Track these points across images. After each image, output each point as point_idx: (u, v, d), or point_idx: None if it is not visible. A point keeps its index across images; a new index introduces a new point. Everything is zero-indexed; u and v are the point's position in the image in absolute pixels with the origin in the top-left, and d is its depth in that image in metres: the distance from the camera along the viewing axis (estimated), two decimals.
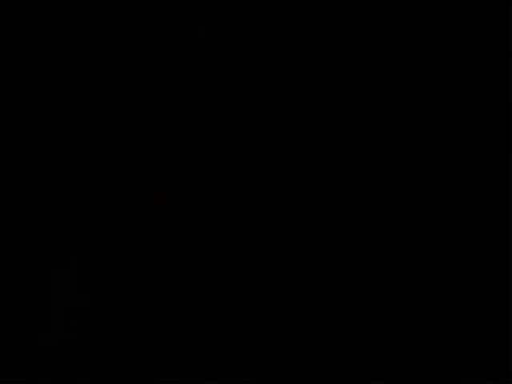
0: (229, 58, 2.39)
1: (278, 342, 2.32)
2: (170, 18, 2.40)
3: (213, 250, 2.35)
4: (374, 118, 2.39)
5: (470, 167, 2.37)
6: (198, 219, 2.37)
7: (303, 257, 2.36)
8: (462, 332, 2.31)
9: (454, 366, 2.29)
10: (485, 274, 2.33)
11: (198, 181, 2.37)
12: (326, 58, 2.40)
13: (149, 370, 2.27)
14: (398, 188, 2.37)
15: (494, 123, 2.37)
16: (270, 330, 2.32)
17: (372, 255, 2.35)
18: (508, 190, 2.34)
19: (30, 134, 2.33)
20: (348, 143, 2.39)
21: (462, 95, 2.38)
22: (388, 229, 2.36)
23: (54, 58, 2.38)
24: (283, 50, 2.40)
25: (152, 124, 2.39)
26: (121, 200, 2.36)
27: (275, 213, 2.37)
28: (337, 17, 2.40)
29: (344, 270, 2.35)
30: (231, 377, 2.27)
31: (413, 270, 2.34)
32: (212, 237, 2.36)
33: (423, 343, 2.31)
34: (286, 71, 2.40)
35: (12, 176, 2.33)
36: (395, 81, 2.39)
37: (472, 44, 2.38)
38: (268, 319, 2.33)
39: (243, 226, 2.37)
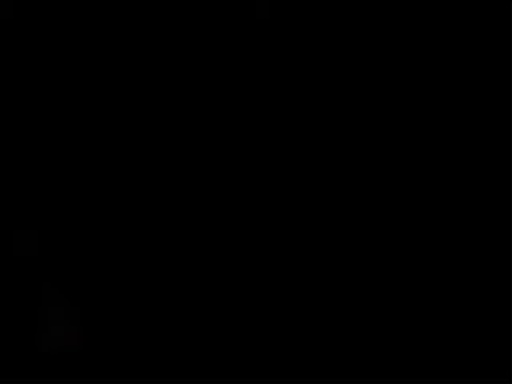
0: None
1: (278, 341, 2.31)
2: None
3: (213, 249, 2.35)
4: (374, 117, 2.39)
5: (470, 167, 2.36)
6: (198, 218, 2.37)
7: (303, 256, 2.35)
8: (462, 332, 2.30)
9: (454, 366, 2.28)
10: (485, 273, 2.32)
11: (198, 180, 2.38)
12: (326, 58, 2.40)
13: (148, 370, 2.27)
14: (398, 188, 2.37)
15: (494, 123, 2.36)
16: (270, 330, 2.32)
17: (372, 255, 2.34)
18: (508, 190, 2.33)
19: None
20: (348, 142, 2.39)
21: (462, 95, 2.38)
22: (388, 229, 2.35)
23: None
24: (283, 50, 2.40)
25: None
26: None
27: (275, 212, 2.37)
28: (337, 16, 2.40)
29: (344, 270, 2.34)
30: (231, 377, 2.27)
31: (413, 270, 2.34)
32: (212, 236, 2.36)
33: (423, 343, 2.31)
34: (286, 71, 2.40)
35: None
36: (395, 80, 2.39)
37: (472, 44, 2.38)
38: (268, 319, 2.33)
39: (243, 226, 2.37)
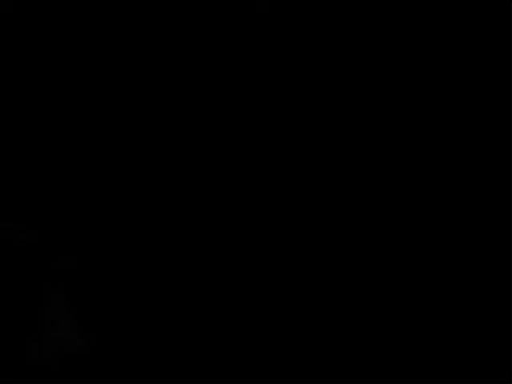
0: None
1: (278, 341, 2.29)
2: None
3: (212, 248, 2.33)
4: (373, 116, 2.39)
5: (470, 167, 2.37)
6: (197, 218, 2.34)
7: (303, 256, 2.34)
8: (462, 332, 2.30)
9: (454, 366, 2.27)
10: (485, 273, 2.32)
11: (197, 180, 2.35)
12: (326, 53, 2.39)
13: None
14: (398, 188, 2.36)
15: (494, 123, 2.37)
16: (270, 330, 2.30)
17: (372, 255, 2.33)
18: (508, 190, 2.34)
19: None
20: (348, 140, 2.38)
21: (462, 95, 2.39)
22: (388, 228, 2.35)
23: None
24: (283, 45, 2.38)
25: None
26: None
27: (275, 212, 2.36)
28: (337, 12, 2.39)
29: (344, 269, 2.33)
30: (231, 377, 2.25)
31: (413, 270, 2.33)
32: (211, 235, 2.34)
33: (423, 343, 2.29)
34: (286, 66, 2.39)
35: None
36: (395, 78, 2.39)
37: (473, 44, 2.39)
38: (268, 319, 2.30)
39: (243, 225, 2.35)
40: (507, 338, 2.27)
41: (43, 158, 2.34)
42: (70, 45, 2.36)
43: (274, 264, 2.33)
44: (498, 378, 2.24)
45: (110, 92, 2.36)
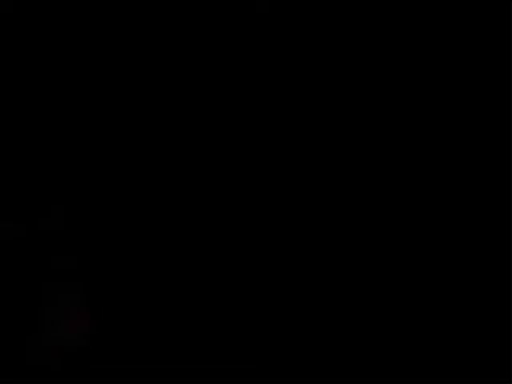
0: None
1: (278, 341, 2.29)
2: None
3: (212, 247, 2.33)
4: (373, 115, 2.38)
5: (470, 167, 2.37)
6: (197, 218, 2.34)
7: (303, 256, 2.34)
8: (462, 332, 2.29)
9: (454, 367, 2.27)
10: (485, 273, 2.32)
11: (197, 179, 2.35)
12: (326, 53, 2.39)
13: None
14: (398, 188, 2.36)
15: (495, 123, 2.37)
16: (270, 330, 2.30)
17: (372, 255, 2.33)
18: (508, 190, 2.34)
19: None
20: (348, 140, 2.38)
21: (462, 95, 2.39)
22: (388, 229, 2.35)
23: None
24: (283, 45, 2.38)
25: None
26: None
27: (275, 212, 2.36)
28: (337, 12, 2.39)
29: (344, 269, 2.33)
30: (231, 377, 2.25)
31: (413, 270, 2.33)
32: (211, 235, 2.34)
33: (423, 343, 2.29)
34: (286, 66, 2.39)
35: None
36: (395, 77, 2.39)
37: (473, 44, 2.39)
38: (268, 318, 2.30)
39: (242, 225, 2.35)
40: (507, 337, 2.26)
41: (43, 158, 2.34)
42: (70, 45, 2.36)
43: (274, 264, 2.33)
44: (498, 377, 2.24)
45: (109, 92, 2.36)
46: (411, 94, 2.39)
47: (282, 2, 2.39)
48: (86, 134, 2.35)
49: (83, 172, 2.34)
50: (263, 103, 2.38)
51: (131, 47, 2.36)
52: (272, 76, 2.38)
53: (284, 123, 2.37)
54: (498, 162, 2.35)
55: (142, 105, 2.37)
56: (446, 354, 2.28)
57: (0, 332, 2.22)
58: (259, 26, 2.38)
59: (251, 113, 2.37)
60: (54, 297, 2.25)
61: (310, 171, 2.37)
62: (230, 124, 2.37)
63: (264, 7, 2.39)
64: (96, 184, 2.34)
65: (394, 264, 2.33)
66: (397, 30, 2.39)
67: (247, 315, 2.31)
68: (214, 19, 2.38)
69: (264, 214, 2.35)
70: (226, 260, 2.33)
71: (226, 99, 2.37)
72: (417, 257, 2.33)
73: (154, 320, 2.29)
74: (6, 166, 2.32)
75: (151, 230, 2.33)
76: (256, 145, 2.37)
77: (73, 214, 2.32)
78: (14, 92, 2.34)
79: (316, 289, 2.32)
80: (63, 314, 2.24)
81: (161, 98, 2.37)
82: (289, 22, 2.39)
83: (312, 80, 2.38)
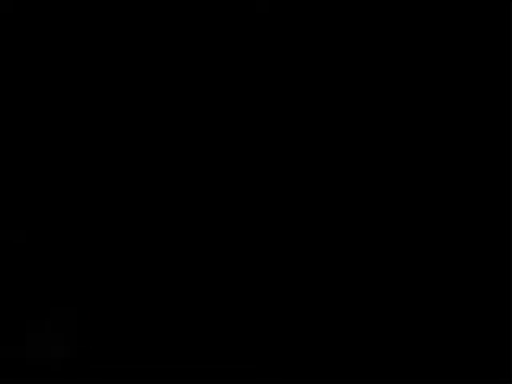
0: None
1: (278, 341, 2.29)
2: None
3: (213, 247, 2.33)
4: (373, 115, 2.38)
5: (470, 167, 2.36)
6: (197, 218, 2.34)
7: (303, 256, 2.34)
8: (462, 332, 2.29)
9: (454, 367, 2.27)
10: (485, 274, 2.32)
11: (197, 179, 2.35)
12: (325, 53, 2.39)
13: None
14: (398, 188, 2.36)
15: (494, 123, 2.37)
16: (270, 330, 2.30)
17: (372, 255, 2.33)
18: (508, 190, 2.34)
19: None
20: (348, 140, 2.38)
21: (462, 95, 2.38)
22: (388, 229, 2.34)
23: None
24: (283, 44, 2.38)
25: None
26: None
27: (275, 212, 2.35)
28: (336, 12, 2.39)
29: (344, 270, 2.33)
30: (231, 377, 2.24)
31: (413, 270, 2.33)
32: (211, 236, 2.34)
33: (423, 343, 2.29)
34: (286, 65, 2.38)
35: None
36: (395, 77, 2.39)
37: (473, 44, 2.39)
38: (269, 318, 2.30)
39: (243, 224, 2.35)
40: (507, 337, 2.26)
41: (43, 158, 2.34)
42: (70, 45, 2.36)
43: (274, 264, 2.33)
44: (498, 377, 2.24)
45: (109, 92, 2.36)
46: (411, 93, 2.39)
47: (282, 2, 2.39)
48: (86, 134, 2.35)
49: (83, 172, 2.34)
50: (263, 102, 2.37)
51: (131, 47, 2.36)
52: (272, 76, 2.38)
53: (284, 123, 2.37)
54: (498, 162, 2.35)
55: (141, 105, 2.36)
56: (446, 353, 2.28)
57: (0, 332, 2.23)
58: (259, 25, 2.38)
59: (251, 112, 2.37)
60: (54, 299, 2.25)
61: (310, 171, 2.37)
62: (230, 123, 2.37)
63: (264, 7, 2.39)
64: (97, 185, 2.34)
65: (393, 264, 2.33)
66: (397, 30, 2.39)
67: (247, 315, 2.30)
68: (214, 19, 2.38)
69: (264, 214, 2.35)
70: (226, 260, 2.32)
71: (226, 98, 2.37)
72: (417, 257, 2.33)
73: (151, 322, 2.29)
74: (4, 167, 2.32)
75: (147, 234, 2.33)
76: (256, 145, 2.37)
77: (73, 215, 2.32)
78: (14, 91, 2.34)
79: (316, 289, 2.32)
80: (63, 318, 2.25)
81: (161, 97, 2.36)
82: (289, 22, 2.38)
83: (312, 80, 2.38)
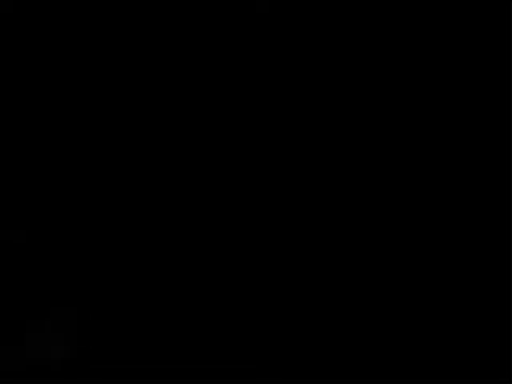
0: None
1: (277, 341, 2.29)
2: None
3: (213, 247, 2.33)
4: (373, 115, 2.38)
5: (470, 167, 2.37)
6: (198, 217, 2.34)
7: (303, 257, 2.34)
8: (462, 332, 2.29)
9: (454, 366, 2.27)
10: (485, 274, 2.32)
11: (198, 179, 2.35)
12: (325, 53, 2.39)
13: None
14: (398, 188, 2.36)
15: (494, 123, 2.37)
16: (270, 330, 2.30)
17: (372, 255, 2.33)
18: (508, 190, 2.34)
19: None
20: (348, 140, 2.38)
21: (462, 95, 2.39)
22: (388, 229, 2.34)
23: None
24: (283, 44, 2.38)
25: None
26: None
27: (275, 212, 2.35)
28: (336, 12, 2.39)
29: (344, 270, 2.33)
30: (231, 377, 2.24)
31: (413, 270, 2.33)
32: (211, 236, 2.34)
33: (423, 343, 2.29)
34: (286, 65, 2.38)
35: None
36: (395, 77, 2.39)
37: (473, 44, 2.39)
38: (268, 318, 2.30)
39: (242, 224, 2.35)
40: (507, 337, 2.26)
41: (43, 158, 2.34)
42: (70, 45, 2.36)
43: (274, 264, 2.33)
44: (498, 377, 2.24)
45: (109, 92, 2.36)
46: (411, 93, 2.39)
47: (282, 2, 2.39)
48: (85, 134, 2.35)
49: (83, 172, 2.34)
50: (263, 102, 2.37)
51: (131, 47, 2.36)
52: (272, 75, 2.38)
53: (283, 122, 2.37)
54: (498, 162, 2.35)
55: (141, 105, 2.36)
56: (446, 354, 2.28)
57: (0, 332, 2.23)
58: (259, 25, 2.38)
59: (251, 112, 2.37)
60: (54, 300, 2.25)
61: (310, 171, 2.37)
62: (230, 123, 2.37)
63: (264, 7, 2.39)
64: (97, 185, 2.34)
65: (393, 264, 2.33)
66: (397, 30, 2.39)
67: (247, 315, 2.30)
68: (214, 19, 2.38)
69: (264, 214, 2.35)
70: (226, 260, 2.33)
71: (226, 98, 2.37)
72: (417, 257, 2.33)
73: (151, 322, 2.29)
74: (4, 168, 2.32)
75: (147, 235, 2.33)
76: (256, 144, 2.37)
77: (72, 215, 2.32)
78: (14, 91, 2.34)
79: (316, 289, 2.32)
80: (63, 318, 2.24)
81: (161, 97, 2.36)
82: (289, 22, 2.38)
83: (311, 79, 2.38)
